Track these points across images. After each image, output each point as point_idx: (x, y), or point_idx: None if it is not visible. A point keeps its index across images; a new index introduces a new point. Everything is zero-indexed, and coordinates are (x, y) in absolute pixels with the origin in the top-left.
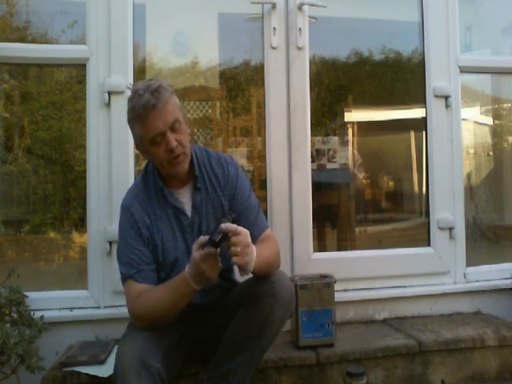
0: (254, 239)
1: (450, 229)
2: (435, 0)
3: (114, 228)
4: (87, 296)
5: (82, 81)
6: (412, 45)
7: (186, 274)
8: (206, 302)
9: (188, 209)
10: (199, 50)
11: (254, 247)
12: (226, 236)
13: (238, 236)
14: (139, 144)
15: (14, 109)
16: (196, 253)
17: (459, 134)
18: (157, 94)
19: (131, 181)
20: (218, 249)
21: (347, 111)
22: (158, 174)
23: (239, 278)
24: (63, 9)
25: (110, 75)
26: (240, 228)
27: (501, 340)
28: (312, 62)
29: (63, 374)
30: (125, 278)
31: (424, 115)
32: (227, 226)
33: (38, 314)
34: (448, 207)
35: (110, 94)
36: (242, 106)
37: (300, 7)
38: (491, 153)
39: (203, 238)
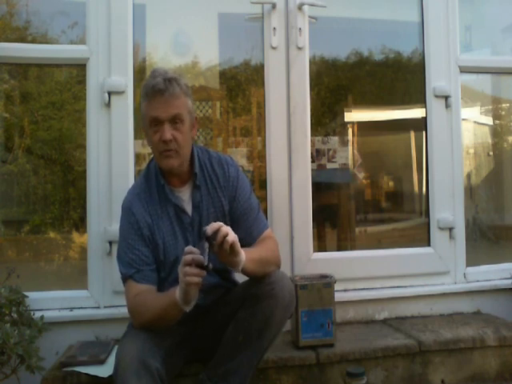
0: (254, 239)
1: (450, 229)
2: (435, 0)
3: (113, 228)
4: (87, 296)
5: (82, 81)
6: (412, 45)
7: (176, 298)
8: (206, 301)
9: (189, 207)
10: (199, 50)
11: (242, 251)
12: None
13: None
14: (143, 122)
15: (14, 109)
16: (183, 268)
17: (459, 133)
18: (168, 83)
19: (131, 181)
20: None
21: (347, 111)
22: (160, 171)
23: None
24: (63, 9)
25: (110, 75)
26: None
27: (501, 340)
28: (312, 62)
29: (63, 374)
30: (124, 278)
31: (424, 115)
32: (212, 227)
33: (38, 314)
34: (448, 207)
35: (110, 93)
36: (242, 106)
37: (300, 7)
38: (491, 153)
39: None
